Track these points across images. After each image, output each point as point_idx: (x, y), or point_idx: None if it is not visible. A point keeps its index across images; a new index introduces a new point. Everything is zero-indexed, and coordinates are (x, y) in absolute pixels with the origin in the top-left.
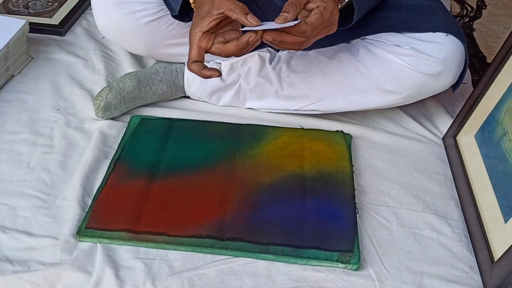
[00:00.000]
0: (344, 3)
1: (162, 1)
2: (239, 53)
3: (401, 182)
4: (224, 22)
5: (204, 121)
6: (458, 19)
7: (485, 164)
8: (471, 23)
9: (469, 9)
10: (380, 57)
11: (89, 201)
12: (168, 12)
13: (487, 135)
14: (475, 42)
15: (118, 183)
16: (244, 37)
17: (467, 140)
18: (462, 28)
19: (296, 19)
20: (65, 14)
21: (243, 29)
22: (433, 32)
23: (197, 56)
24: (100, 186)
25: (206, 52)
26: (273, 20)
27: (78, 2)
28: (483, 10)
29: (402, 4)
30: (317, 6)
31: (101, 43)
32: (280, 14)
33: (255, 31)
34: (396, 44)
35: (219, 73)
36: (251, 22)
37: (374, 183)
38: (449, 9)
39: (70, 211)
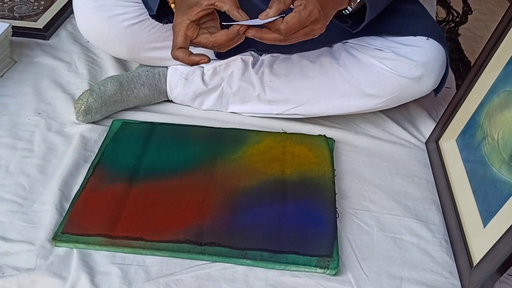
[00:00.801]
0: (356, 4)
1: (141, 2)
2: (227, 43)
3: (382, 187)
4: (207, 18)
5: (186, 125)
6: (443, 24)
7: (465, 168)
8: (456, 28)
9: (455, 14)
10: (361, 61)
11: (67, 206)
12: None
13: (468, 139)
14: (460, 47)
15: (97, 188)
16: (235, 27)
17: (449, 145)
18: (447, 33)
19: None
20: (50, 18)
21: (226, 23)
22: (414, 35)
23: (183, 42)
24: (78, 190)
25: (191, 42)
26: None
27: (64, 5)
28: (468, 16)
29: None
30: (299, 5)
31: (85, 47)
32: (266, 10)
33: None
34: (378, 48)
35: (208, 59)
36: (242, 16)
37: (356, 187)
38: (435, 15)
39: (47, 215)
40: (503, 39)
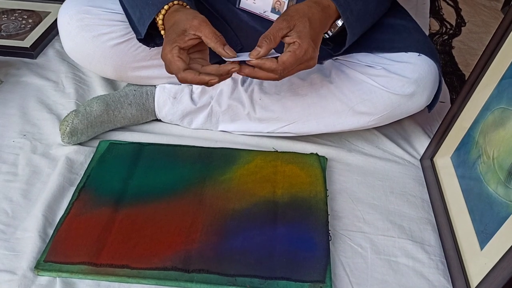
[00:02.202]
0: (336, 29)
1: (129, 24)
2: (216, 79)
3: (377, 207)
4: (196, 48)
5: (174, 145)
6: (437, 36)
7: (461, 186)
8: (450, 40)
9: (448, 26)
10: (352, 78)
11: (51, 232)
12: None
13: (463, 157)
14: (454, 60)
15: (81, 213)
16: (228, 66)
17: (444, 162)
18: (441, 46)
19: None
20: (37, 37)
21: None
22: (406, 52)
23: (183, 64)
24: (62, 215)
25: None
26: (249, 48)
27: (52, 23)
28: (462, 28)
29: (374, 23)
30: (293, 43)
31: (73, 65)
32: (255, 48)
33: (237, 62)
34: (368, 65)
35: (217, 79)
36: (228, 54)
37: (349, 207)
38: (428, 27)
39: (30, 243)
40: (496, 53)
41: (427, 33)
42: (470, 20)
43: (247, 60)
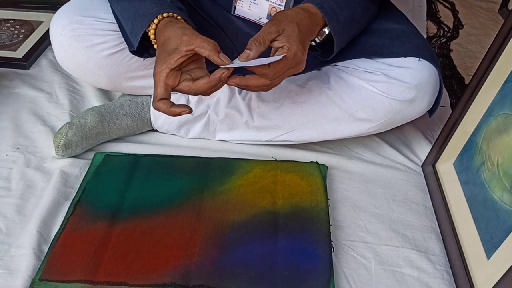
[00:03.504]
0: (323, 37)
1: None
2: (210, 90)
3: (379, 215)
4: (190, 60)
5: (171, 156)
6: (435, 39)
7: (464, 194)
8: (448, 43)
9: (446, 29)
10: (351, 84)
11: (46, 249)
12: None
13: (466, 163)
14: (453, 63)
15: (77, 228)
16: (216, 73)
17: (446, 168)
18: (439, 49)
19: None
20: (30, 47)
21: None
22: (405, 57)
23: (164, 93)
24: (57, 231)
25: (173, 90)
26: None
27: (45, 33)
28: (460, 30)
29: (372, 29)
30: (282, 47)
31: (66, 75)
32: (244, 51)
33: (227, 68)
34: (367, 71)
35: (189, 110)
36: (223, 61)
37: (351, 216)
38: (425, 30)
39: (25, 260)
40: (498, 58)
41: (424, 36)
42: (468, 23)
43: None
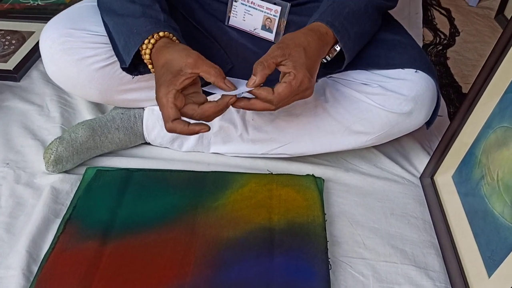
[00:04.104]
0: (334, 54)
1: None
2: (215, 114)
3: (377, 230)
4: (192, 82)
5: (164, 170)
6: (431, 47)
7: (464, 208)
8: (444, 51)
9: (442, 36)
10: (348, 97)
11: (35, 269)
12: None
13: (465, 177)
14: (450, 71)
15: (67, 247)
16: (224, 98)
17: (445, 181)
18: (435, 57)
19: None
20: (20, 58)
21: (207, 90)
22: (402, 68)
23: (176, 113)
24: (47, 251)
25: (179, 110)
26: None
27: (36, 44)
28: (456, 37)
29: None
30: (288, 73)
31: (58, 88)
32: (251, 77)
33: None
34: (364, 83)
35: (208, 127)
36: (229, 87)
37: (348, 232)
38: (421, 38)
39: (13, 282)
40: (496, 69)
41: (421, 44)
42: (464, 29)
43: (243, 94)
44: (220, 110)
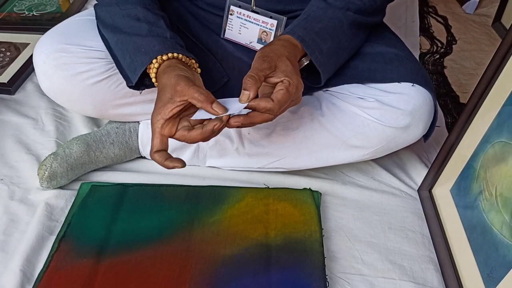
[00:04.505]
0: (301, 66)
1: (113, 63)
2: (205, 139)
3: (375, 245)
4: (188, 106)
5: (160, 185)
6: (428, 56)
7: (462, 223)
8: (441, 59)
9: (439, 44)
10: (344, 111)
11: None
12: (117, 70)
13: (463, 191)
14: (447, 81)
15: (62, 266)
16: (208, 125)
17: (443, 195)
18: (432, 66)
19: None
20: (15, 71)
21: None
22: (398, 82)
23: (160, 145)
24: (41, 270)
25: (170, 137)
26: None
27: (31, 56)
28: (453, 46)
29: (365, 52)
30: (281, 81)
31: (53, 101)
32: (242, 91)
33: (220, 118)
34: (360, 97)
35: (182, 164)
36: (217, 112)
37: (346, 247)
38: (418, 46)
39: None
40: (494, 82)
41: (418, 52)
42: (461, 37)
43: (238, 112)
44: (207, 136)
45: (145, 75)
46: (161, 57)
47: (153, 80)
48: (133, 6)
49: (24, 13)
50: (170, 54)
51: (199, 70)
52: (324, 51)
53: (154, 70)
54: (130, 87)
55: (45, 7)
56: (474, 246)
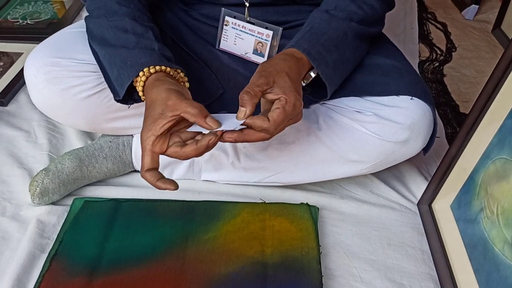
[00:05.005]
0: (309, 80)
1: (104, 79)
2: (199, 155)
3: (374, 262)
4: (179, 120)
5: (154, 200)
6: (427, 64)
7: (463, 241)
8: (441, 67)
9: (439, 52)
10: (341, 125)
11: None
12: None
13: (464, 208)
14: (447, 89)
15: (53, 286)
16: (203, 140)
17: (443, 209)
18: (432, 74)
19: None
20: (7, 82)
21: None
22: (397, 95)
23: (151, 163)
24: None
25: (162, 154)
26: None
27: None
28: (453, 53)
29: (363, 63)
30: (278, 99)
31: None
32: (239, 108)
33: (215, 132)
34: (358, 110)
35: (175, 186)
36: (211, 126)
37: (344, 264)
38: (417, 54)
39: None
40: (495, 96)
41: (417, 60)
42: (461, 44)
43: (232, 128)
44: (201, 152)
45: (134, 88)
46: (148, 70)
47: (140, 94)
48: (120, 18)
49: (18, 21)
50: (158, 67)
51: (187, 84)
52: (330, 64)
53: (141, 83)
54: (118, 101)
55: (40, 15)
56: (475, 265)
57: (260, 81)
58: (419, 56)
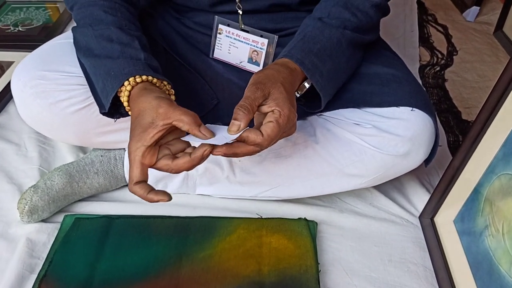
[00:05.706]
0: (303, 91)
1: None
2: (192, 168)
3: (374, 280)
4: (167, 132)
5: (147, 216)
6: (428, 68)
7: (467, 259)
8: (442, 72)
9: (440, 56)
10: (339, 138)
11: None
12: None
13: (468, 224)
14: (448, 95)
15: None
16: (197, 152)
17: (446, 224)
18: (433, 79)
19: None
20: None
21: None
22: (397, 106)
23: (141, 175)
24: None
25: (151, 167)
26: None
27: None
28: (454, 56)
29: (360, 73)
30: (272, 111)
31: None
32: (231, 121)
33: (208, 143)
34: (356, 123)
35: (168, 198)
36: (205, 135)
37: (344, 282)
38: (418, 58)
39: None
40: (498, 109)
41: (417, 64)
42: (462, 48)
43: (224, 142)
44: (195, 164)
45: (121, 102)
46: (134, 80)
47: (125, 104)
48: (106, 27)
49: (10, 28)
50: (144, 77)
51: (173, 97)
52: (324, 74)
53: (126, 93)
54: (104, 114)
55: (32, 21)
56: (480, 285)
57: (256, 94)
58: (420, 61)
